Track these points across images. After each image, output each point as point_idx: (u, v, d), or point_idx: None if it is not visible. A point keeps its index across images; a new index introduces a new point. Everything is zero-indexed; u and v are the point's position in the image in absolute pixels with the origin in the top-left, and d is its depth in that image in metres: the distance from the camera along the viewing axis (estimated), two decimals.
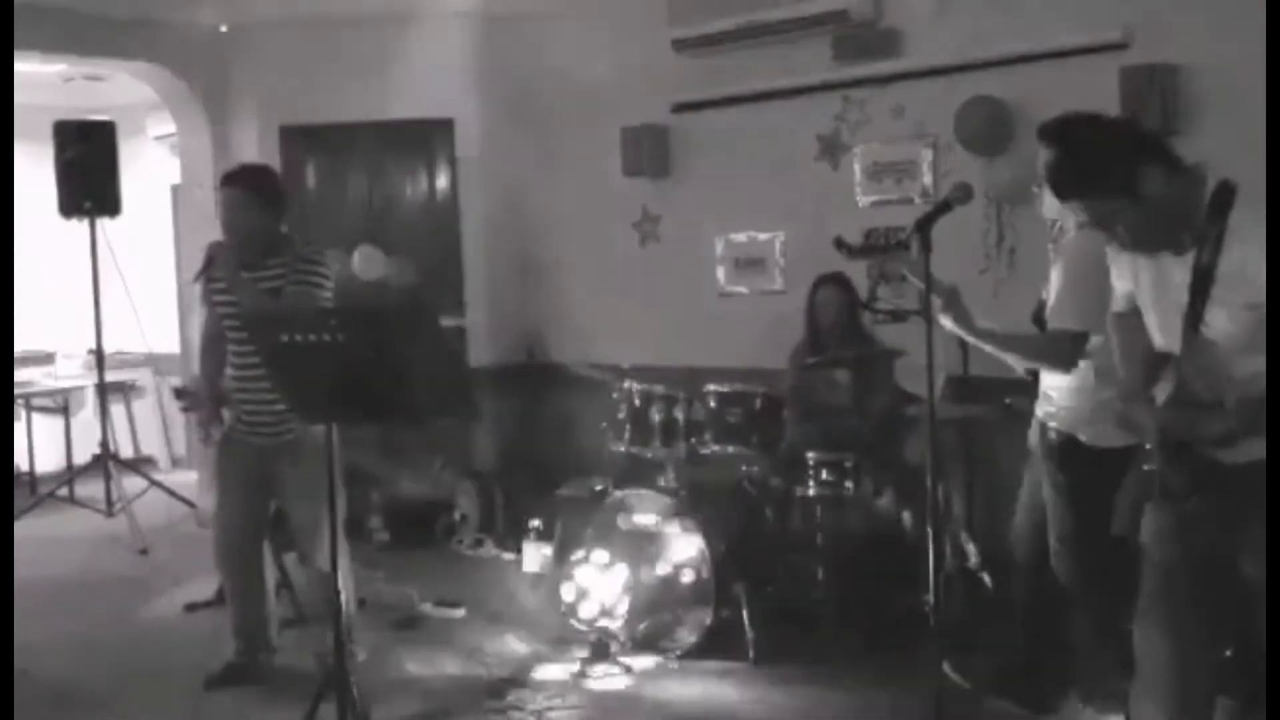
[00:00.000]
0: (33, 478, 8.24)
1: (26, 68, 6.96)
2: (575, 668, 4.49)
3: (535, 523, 5.87)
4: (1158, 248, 2.67)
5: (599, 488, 5.04)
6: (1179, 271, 2.61)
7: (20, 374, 8.18)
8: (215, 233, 4.42)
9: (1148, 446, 2.70)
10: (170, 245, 9.00)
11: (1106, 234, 2.73)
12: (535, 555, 5.79)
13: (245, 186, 4.25)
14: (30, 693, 4.20)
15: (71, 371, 8.57)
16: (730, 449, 4.84)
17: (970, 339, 3.60)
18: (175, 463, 9.06)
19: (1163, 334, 2.71)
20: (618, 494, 4.82)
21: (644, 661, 4.53)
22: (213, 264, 4.23)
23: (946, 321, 3.49)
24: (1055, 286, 3.60)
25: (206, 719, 4.12)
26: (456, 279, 7.11)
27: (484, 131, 7.01)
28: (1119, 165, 2.59)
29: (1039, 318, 3.75)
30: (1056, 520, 3.66)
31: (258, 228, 4.21)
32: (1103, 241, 3.48)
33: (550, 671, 4.48)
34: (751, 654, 4.45)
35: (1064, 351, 3.47)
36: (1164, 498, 2.69)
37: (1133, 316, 2.85)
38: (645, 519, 4.70)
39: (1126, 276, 2.83)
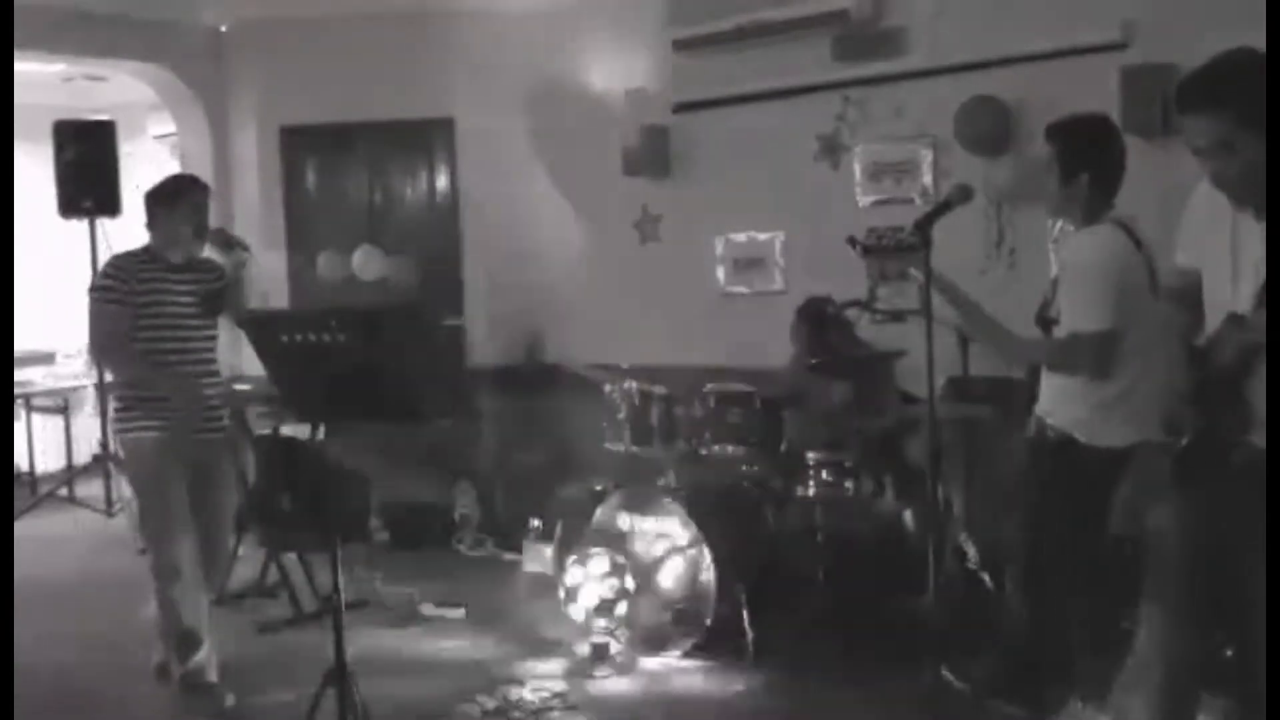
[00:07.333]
0: (33, 478, 8.24)
1: (26, 68, 6.96)
2: (575, 668, 4.49)
3: (535, 523, 5.87)
4: (1249, 202, 2.55)
5: (599, 488, 5.03)
6: (1255, 236, 2.53)
7: (20, 374, 8.18)
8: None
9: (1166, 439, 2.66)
10: None
11: (1210, 166, 2.57)
12: (535, 555, 5.79)
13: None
14: (30, 692, 4.19)
15: (71, 371, 8.57)
16: (730, 449, 4.83)
17: (990, 346, 3.54)
18: None
19: (1234, 294, 2.59)
20: (618, 494, 4.82)
21: (644, 661, 4.53)
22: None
23: (953, 320, 3.41)
24: (1062, 286, 3.57)
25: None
26: (456, 279, 7.11)
27: (484, 131, 7.01)
28: (1252, 90, 2.46)
29: (1043, 317, 3.73)
30: (1050, 518, 3.66)
31: None
32: (1109, 239, 3.49)
33: (550, 672, 4.48)
34: (751, 654, 4.45)
35: (1093, 356, 3.36)
36: (1182, 485, 2.62)
37: (1195, 291, 2.73)
38: (645, 519, 4.69)
39: (1222, 228, 2.66)
